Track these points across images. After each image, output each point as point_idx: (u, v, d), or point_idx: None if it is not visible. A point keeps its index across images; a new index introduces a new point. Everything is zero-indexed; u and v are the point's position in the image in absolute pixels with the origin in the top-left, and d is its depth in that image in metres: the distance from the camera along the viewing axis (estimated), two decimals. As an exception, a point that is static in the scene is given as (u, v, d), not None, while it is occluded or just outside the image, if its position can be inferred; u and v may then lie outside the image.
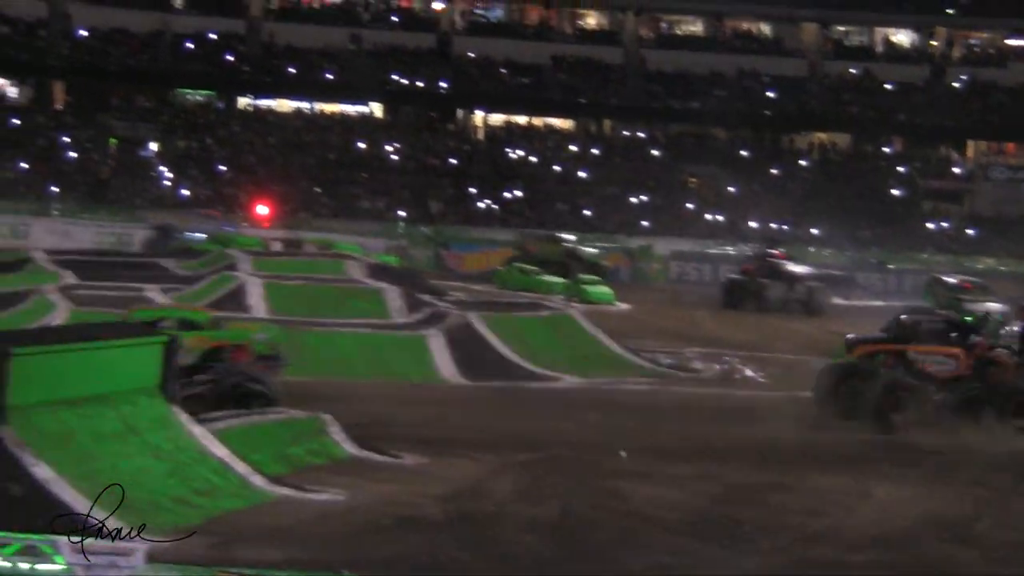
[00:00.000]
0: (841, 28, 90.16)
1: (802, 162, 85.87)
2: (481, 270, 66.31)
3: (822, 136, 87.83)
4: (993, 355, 29.24)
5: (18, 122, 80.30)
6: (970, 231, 79.71)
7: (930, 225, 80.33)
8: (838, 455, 26.63)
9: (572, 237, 67.19)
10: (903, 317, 31.95)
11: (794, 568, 18.08)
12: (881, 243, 76.25)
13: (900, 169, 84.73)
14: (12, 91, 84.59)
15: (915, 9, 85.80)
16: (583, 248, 65.20)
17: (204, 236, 61.36)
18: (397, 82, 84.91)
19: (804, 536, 19.66)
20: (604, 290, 57.98)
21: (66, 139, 79.04)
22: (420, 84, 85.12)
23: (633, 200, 79.63)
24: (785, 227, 77.00)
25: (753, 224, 77.29)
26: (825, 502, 21.94)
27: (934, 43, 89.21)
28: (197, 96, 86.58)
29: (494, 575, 17.02)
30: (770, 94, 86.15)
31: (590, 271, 60.91)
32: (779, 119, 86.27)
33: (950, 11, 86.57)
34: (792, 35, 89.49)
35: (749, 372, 40.26)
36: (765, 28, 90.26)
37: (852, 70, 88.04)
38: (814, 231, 77.26)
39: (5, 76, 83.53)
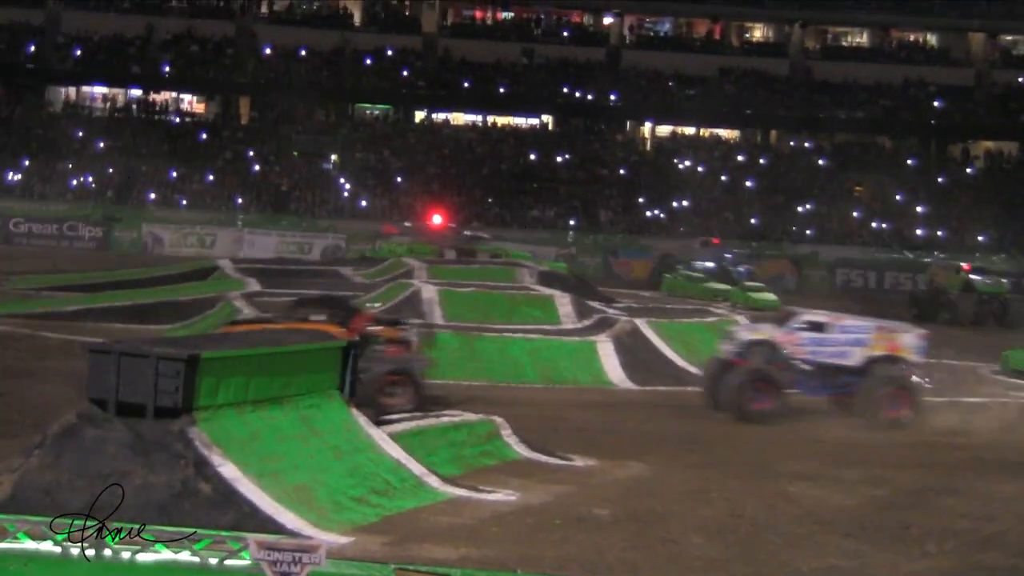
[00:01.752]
0: (1008, 37, 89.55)
1: (969, 170, 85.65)
2: (648, 277, 67.14)
3: (989, 144, 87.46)
4: (371, 332, 27.99)
5: (206, 136, 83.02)
6: None
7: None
8: (1004, 460, 26.89)
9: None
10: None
11: (966, 572, 18.20)
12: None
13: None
14: (201, 107, 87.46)
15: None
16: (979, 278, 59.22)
17: (710, 265, 62.69)
18: (568, 95, 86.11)
19: (974, 541, 19.84)
20: (769, 296, 58.22)
21: (251, 152, 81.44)
22: (590, 96, 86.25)
23: (799, 209, 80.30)
24: (949, 235, 77.09)
25: (919, 232, 77.62)
26: (994, 507, 22.19)
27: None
28: (375, 110, 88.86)
29: (663, 575, 17.26)
30: (936, 103, 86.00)
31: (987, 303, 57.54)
32: (945, 128, 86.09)
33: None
34: (959, 44, 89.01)
35: (914, 377, 40.74)
36: (931, 38, 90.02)
37: (1020, 79, 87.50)
38: (980, 238, 77.34)
39: (195, 92, 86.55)
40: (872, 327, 32.42)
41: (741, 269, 63.23)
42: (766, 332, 32.53)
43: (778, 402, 30.69)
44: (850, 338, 31.71)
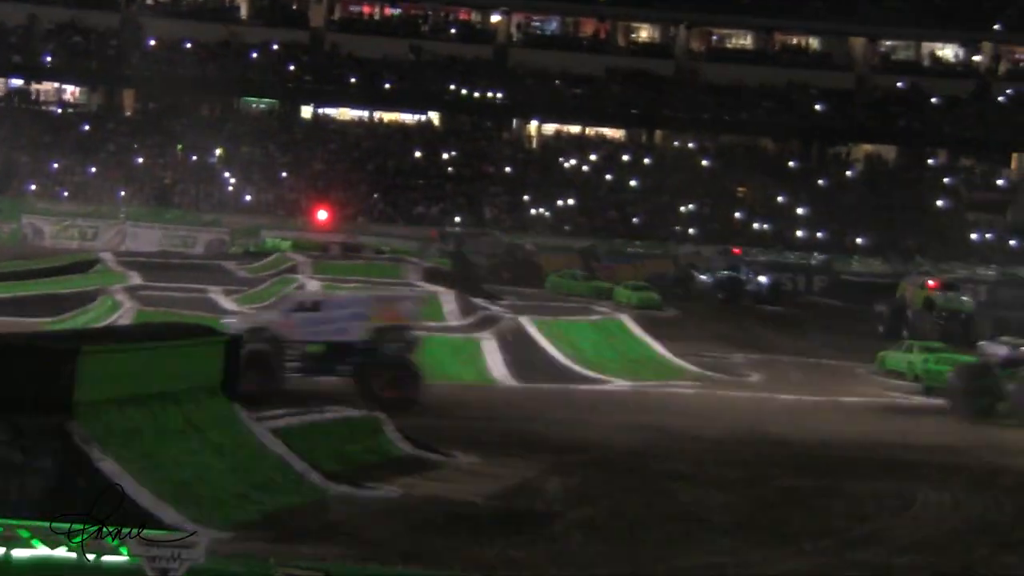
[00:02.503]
0: (889, 43, 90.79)
1: (849, 173, 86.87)
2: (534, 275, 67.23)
3: (869, 148, 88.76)
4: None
5: (89, 128, 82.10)
6: (1013, 242, 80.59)
7: (974, 236, 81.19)
8: (879, 459, 27.36)
9: None
10: None
11: (839, 569, 18.54)
12: (925, 253, 77.31)
13: (945, 180, 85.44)
14: (84, 98, 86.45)
15: (961, 24, 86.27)
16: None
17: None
18: (455, 91, 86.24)
19: (849, 539, 20.21)
20: (651, 295, 58.72)
21: (134, 145, 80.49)
22: (477, 94, 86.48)
23: (682, 209, 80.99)
24: (830, 236, 78.25)
25: (800, 234, 78.63)
26: (868, 506, 22.56)
27: (979, 58, 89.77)
28: (261, 104, 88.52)
29: (544, 572, 17.42)
30: (819, 106, 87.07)
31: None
32: (827, 131, 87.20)
33: (996, 27, 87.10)
34: (841, 49, 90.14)
35: (794, 376, 41.07)
36: (814, 42, 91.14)
37: (899, 84, 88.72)
38: (859, 241, 78.54)
39: (78, 83, 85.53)
40: (369, 299, 32.66)
41: (764, 279, 63.15)
42: (265, 319, 32.37)
43: (273, 384, 29.75)
44: (346, 313, 31.62)
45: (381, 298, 32.87)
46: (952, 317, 51.84)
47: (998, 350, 36.86)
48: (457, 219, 76.94)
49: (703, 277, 63.88)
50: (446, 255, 63.81)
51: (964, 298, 53.93)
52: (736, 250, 69.65)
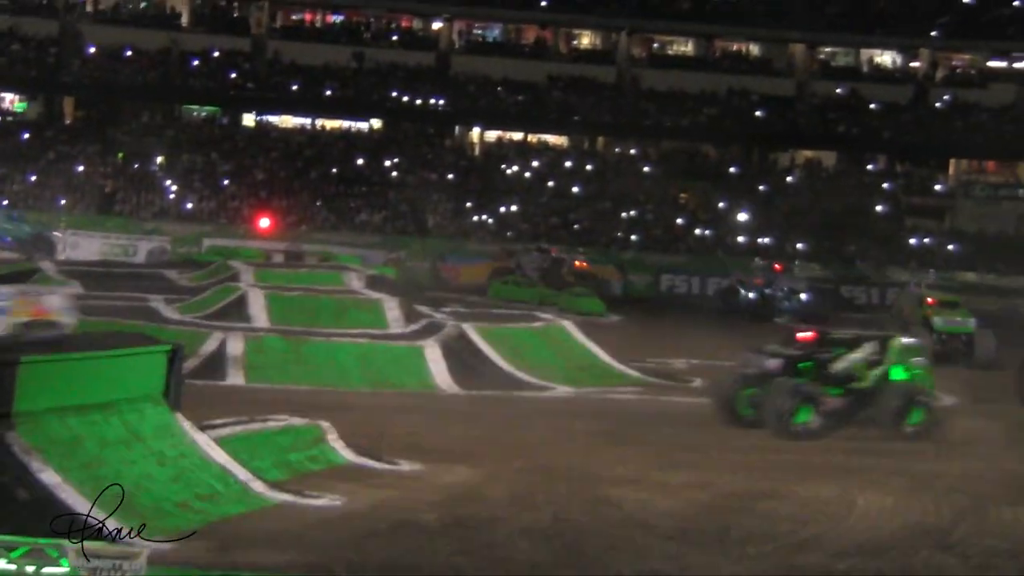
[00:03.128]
0: (828, 49, 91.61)
1: (789, 179, 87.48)
2: (477, 282, 67.52)
3: (809, 153, 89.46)
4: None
5: (28, 136, 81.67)
6: (951, 247, 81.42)
7: (913, 241, 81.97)
8: (823, 463, 27.23)
9: None
10: None
11: (782, 574, 18.54)
12: (865, 258, 78.00)
13: (884, 186, 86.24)
14: (23, 106, 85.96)
15: (900, 31, 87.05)
16: None
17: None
18: (397, 99, 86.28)
19: (792, 544, 20.15)
20: (594, 301, 58.93)
21: (74, 153, 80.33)
22: (419, 101, 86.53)
23: (624, 215, 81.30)
24: (771, 242, 78.79)
25: (741, 239, 79.12)
26: (811, 511, 22.46)
27: (918, 64, 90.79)
28: (203, 112, 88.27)
29: None
30: (759, 112, 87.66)
31: None
32: (768, 137, 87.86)
33: (933, 33, 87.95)
34: (781, 55, 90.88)
35: None
36: (755, 48, 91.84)
37: (838, 90, 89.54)
38: (800, 246, 79.10)
39: (17, 91, 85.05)
40: (13, 292, 31.11)
41: (804, 297, 61.29)
42: None
43: None
44: None
45: (26, 292, 31.81)
46: (952, 339, 47.43)
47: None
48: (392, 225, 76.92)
49: (749, 295, 62.07)
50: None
51: (966, 318, 48.75)
52: (778, 266, 67.92)
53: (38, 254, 60.61)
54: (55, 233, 65.55)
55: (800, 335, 33.54)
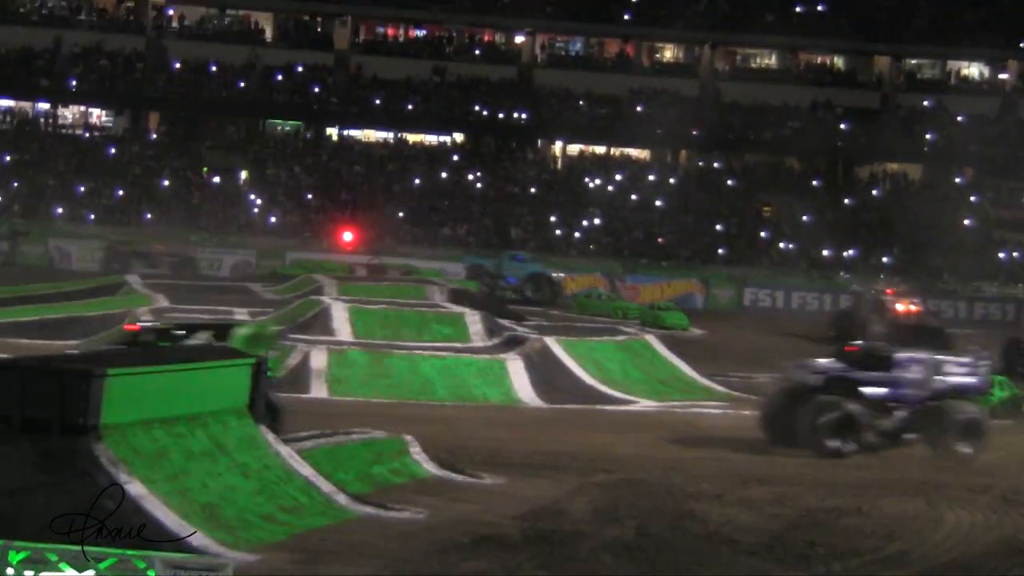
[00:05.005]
0: (913, 61, 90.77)
1: (875, 192, 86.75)
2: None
3: (894, 166, 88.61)
4: None
5: (115, 151, 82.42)
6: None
7: (1001, 254, 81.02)
8: (906, 479, 27.22)
9: None
10: None
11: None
12: (952, 272, 77.17)
13: (972, 199, 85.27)
14: (110, 121, 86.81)
15: (987, 43, 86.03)
16: None
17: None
18: (479, 113, 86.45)
19: (878, 560, 20.13)
20: (678, 316, 58.83)
21: (160, 167, 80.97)
22: (501, 115, 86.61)
23: (708, 228, 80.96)
24: (856, 257, 78.18)
25: (826, 253, 78.53)
26: (897, 527, 22.42)
27: (1005, 76, 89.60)
28: (286, 126, 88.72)
29: None
30: (843, 125, 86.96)
31: None
32: (852, 150, 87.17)
33: (1021, 44, 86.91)
34: (865, 68, 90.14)
35: None
36: (839, 61, 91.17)
37: (924, 102, 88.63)
38: (885, 260, 78.40)
39: (104, 106, 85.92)
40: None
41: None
42: None
43: None
44: None
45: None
46: None
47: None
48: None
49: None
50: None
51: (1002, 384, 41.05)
52: (888, 291, 62.59)
53: (537, 293, 64.50)
54: (555, 274, 68.80)
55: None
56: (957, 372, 31.50)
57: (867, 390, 30.64)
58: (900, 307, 48.65)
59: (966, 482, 27.18)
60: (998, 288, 75.61)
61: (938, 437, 30.32)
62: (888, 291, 54.88)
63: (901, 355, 31.30)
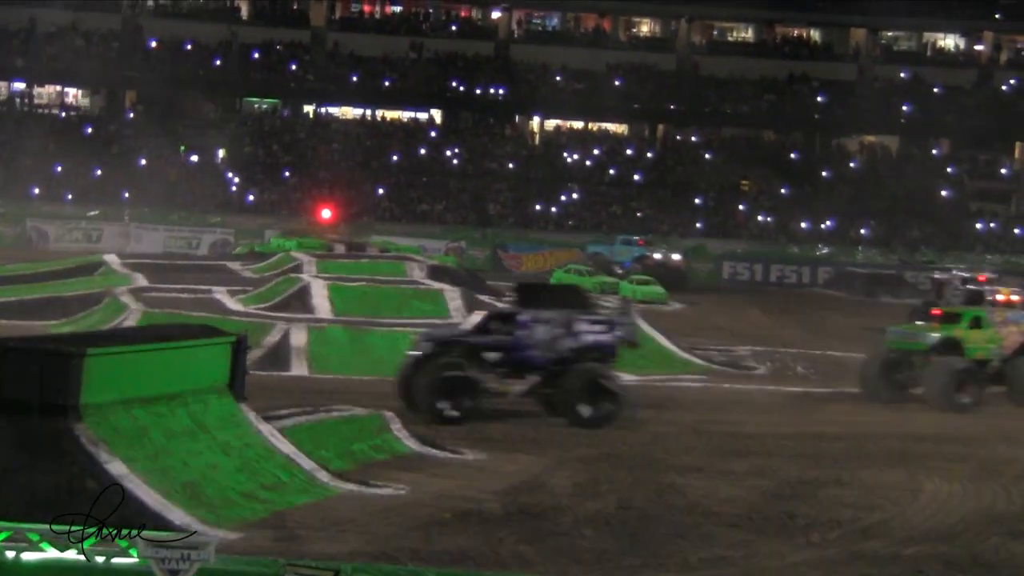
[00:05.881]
0: (890, 33, 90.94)
1: (852, 164, 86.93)
2: (539, 270, 67.58)
3: (871, 139, 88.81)
4: None
5: (91, 130, 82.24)
6: (1017, 230, 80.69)
7: (978, 225, 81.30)
8: (885, 450, 27.24)
9: None
10: None
11: (849, 561, 18.44)
12: (929, 243, 77.42)
13: (948, 170, 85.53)
14: (86, 100, 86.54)
15: (962, 14, 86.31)
16: None
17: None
18: (456, 89, 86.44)
19: (857, 530, 20.19)
20: (656, 289, 58.93)
21: (137, 146, 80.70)
22: (478, 91, 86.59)
23: (686, 202, 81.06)
24: (833, 229, 78.35)
25: (804, 225, 78.69)
26: (876, 497, 22.50)
27: (981, 47, 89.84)
28: (263, 104, 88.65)
29: (553, 568, 17.37)
30: (820, 98, 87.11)
31: None
32: (829, 122, 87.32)
33: (997, 16, 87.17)
34: (842, 40, 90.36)
35: (800, 369, 41.18)
36: (815, 34, 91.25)
37: (901, 74, 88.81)
38: (863, 232, 78.61)
39: (80, 86, 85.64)
40: None
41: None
42: None
43: None
44: None
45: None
46: None
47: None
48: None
49: None
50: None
51: None
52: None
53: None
54: (674, 255, 68.30)
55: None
56: (592, 331, 30.32)
57: (489, 355, 29.75)
58: (1000, 296, 46.70)
59: (944, 452, 27.30)
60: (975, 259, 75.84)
61: (562, 397, 29.36)
62: (980, 277, 53.57)
63: (524, 316, 30.11)
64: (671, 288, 60.58)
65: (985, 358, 34.48)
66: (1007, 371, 34.84)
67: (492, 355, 29.75)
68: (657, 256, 67.63)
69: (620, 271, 64.18)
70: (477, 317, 32.45)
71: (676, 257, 68.79)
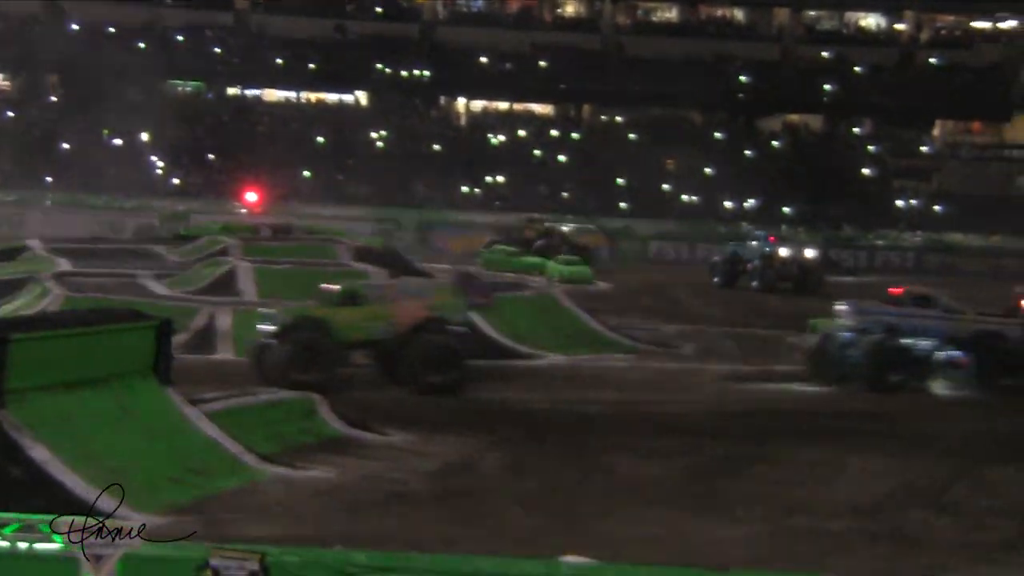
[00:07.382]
0: (812, 13, 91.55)
1: (775, 143, 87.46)
2: (465, 252, 67.51)
3: (795, 118, 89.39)
4: None
5: (13, 114, 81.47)
6: (938, 208, 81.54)
7: (900, 203, 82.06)
8: (813, 427, 27.49)
9: None
10: None
11: (775, 537, 18.66)
12: (852, 221, 78.06)
13: (870, 149, 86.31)
14: (5, 84, 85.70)
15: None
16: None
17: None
18: (381, 71, 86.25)
19: (783, 506, 20.38)
20: (582, 269, 58.99)
21: (60, 130, 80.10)
22: (404, 72, 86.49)
23: (612, 182, 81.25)
24: (758, 207, 78.82)
25: (729, 204, 79.12)
26: (803, 473, 22.72)
27: (902, 26, 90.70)
28: (187, 87, 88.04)
29: (482, 548, 17.13)
30: (744, 78, 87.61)
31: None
32: (753, 102, 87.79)
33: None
34: (765, 20, 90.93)
35: (726, 347, 41.00)
36: (739, 14, 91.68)
37: (823, 53, 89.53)
38: (787, 210, 79.14)
39: (1, 70, 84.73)
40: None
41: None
42: None
43: None
44: None
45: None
46: None
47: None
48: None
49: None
50: None
51: None
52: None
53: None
54: (808, 252, 58.62)
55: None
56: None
57: None
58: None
59: (871, 428, 27.55)
60: (896, 236, 76.65)
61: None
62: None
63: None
64: (801, 292, 55.02)
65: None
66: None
67: None
68: (783, 253, 58.36)
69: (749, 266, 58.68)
70: None
71: (810, 254, 58.92)
